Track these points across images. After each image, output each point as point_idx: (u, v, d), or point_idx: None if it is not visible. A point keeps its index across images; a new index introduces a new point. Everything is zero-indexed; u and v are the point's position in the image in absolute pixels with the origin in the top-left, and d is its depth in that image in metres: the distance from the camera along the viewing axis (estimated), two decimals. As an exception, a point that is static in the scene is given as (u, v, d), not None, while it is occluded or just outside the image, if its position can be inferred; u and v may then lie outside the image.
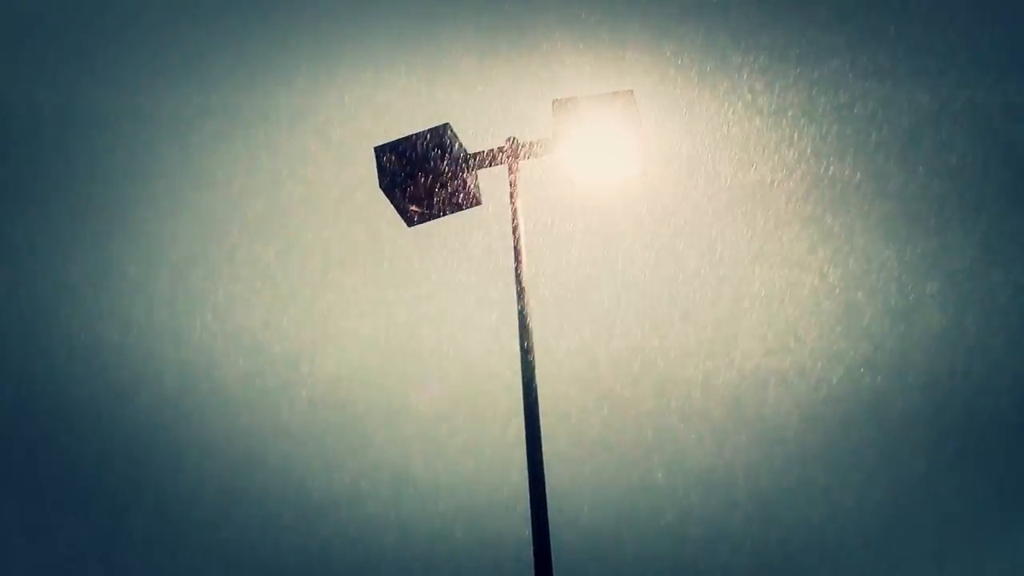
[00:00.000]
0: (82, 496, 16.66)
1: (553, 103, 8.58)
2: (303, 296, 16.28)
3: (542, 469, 7.28)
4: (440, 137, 8.73)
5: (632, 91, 8.52)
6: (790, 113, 14.48)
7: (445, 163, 8.66)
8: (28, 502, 16.59)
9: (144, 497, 16.47)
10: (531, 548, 7.09)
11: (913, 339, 15.38)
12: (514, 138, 8.70)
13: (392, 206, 8.92)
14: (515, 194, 8.47)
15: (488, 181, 8.98)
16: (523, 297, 7.98)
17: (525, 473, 7.34)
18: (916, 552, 15.96)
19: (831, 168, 14.65)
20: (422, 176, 8.69)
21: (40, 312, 16.73)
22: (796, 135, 14.51)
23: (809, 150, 14.56)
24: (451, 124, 8.78)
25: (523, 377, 7.67)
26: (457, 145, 8.75)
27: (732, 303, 15.26)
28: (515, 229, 8.29)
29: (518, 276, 8.08)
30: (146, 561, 16.34)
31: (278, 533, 16.22)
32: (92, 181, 16.82)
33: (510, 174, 8.57)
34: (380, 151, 8.84)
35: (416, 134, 8.80)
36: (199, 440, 16.38)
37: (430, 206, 8.92)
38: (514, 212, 8.39)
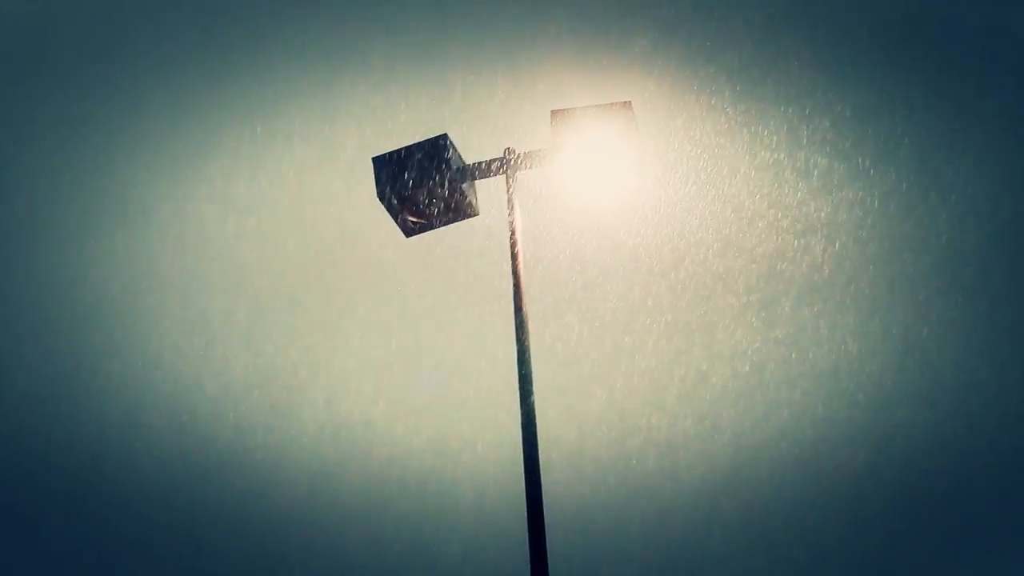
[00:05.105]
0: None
1: (551, 114, 8.56)
2: (298, 305, 16.27)
3: (540, 495, 7.25)
4: (438, 148, 8.71)
5: (630, 102, 8.51)
6: (792, 122, 14.49)
7: (443, 174, 8.65)
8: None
9: (143, 499, 16.47)
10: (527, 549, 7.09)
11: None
12: (512, 149, 8.69)
13: (390, 217, 8.91)
14: (513, 205, 8.45)
15: (486, 192, 8.97)
16: (520, 306, 7.95)
17: (523, 485, 7.33)
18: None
19: (833, 177, 14.66)
20: (420, 187, 8.67)
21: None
22: (797, 144, 14.51)
23: (811, 159, 14.56)
24: (449, 135, 8.77)
25: (520, 388, 7.64)
26: (455, 156, 8.74)
27: (732, 311, 15.26)
28: (513, 239, 8.27)
29: (516, 286, 8.06)
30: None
31: (272, 534, 16.21)
32: (92, 188, 16.83)
33: (508, 185, 8.55)
34: (378, 161, 8.83)
35: (414, 145, 8.79)
36: (198, 441, 16.39)
37: (428, 217, 8.90)
38: (512, 222, 8.37)
